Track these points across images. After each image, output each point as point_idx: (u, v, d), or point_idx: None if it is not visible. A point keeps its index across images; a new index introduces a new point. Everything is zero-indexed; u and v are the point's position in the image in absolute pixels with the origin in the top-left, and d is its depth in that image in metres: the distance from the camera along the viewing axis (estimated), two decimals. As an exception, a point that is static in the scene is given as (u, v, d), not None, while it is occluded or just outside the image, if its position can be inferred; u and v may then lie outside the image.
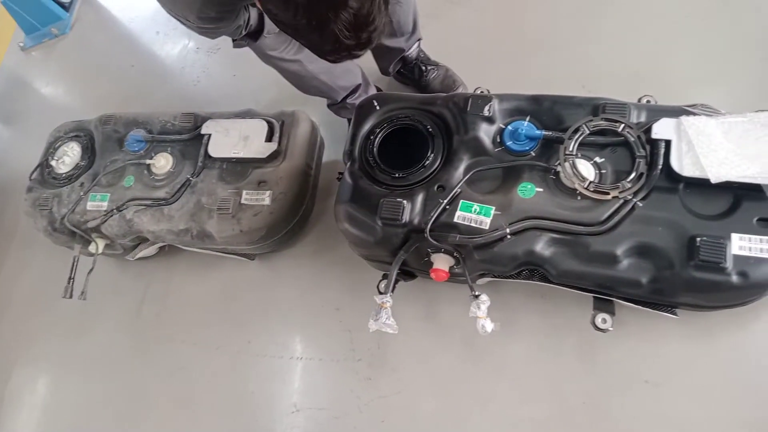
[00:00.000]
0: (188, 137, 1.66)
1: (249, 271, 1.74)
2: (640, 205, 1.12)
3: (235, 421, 1.54)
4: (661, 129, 1.14)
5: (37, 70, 2.85)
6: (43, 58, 2.86)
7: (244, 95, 2.10)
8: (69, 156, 1.78)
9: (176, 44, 2.42)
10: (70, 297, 1.70)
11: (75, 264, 1.73)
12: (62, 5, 2.87)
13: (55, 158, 1.79)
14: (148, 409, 1.66)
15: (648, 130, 1.15)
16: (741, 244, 1.05)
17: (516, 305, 1.38)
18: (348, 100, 1.64)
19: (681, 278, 1.06)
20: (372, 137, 1.34)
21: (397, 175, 1.28)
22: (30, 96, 2.78)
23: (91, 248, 1.73)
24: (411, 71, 1.74)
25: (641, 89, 1.27)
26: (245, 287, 1.72)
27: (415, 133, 1.32)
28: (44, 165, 1.81)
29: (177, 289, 1.82)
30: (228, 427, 1.54)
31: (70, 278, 1.71)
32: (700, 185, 1.10)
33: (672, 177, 1.12)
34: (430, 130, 1.31)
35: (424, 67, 1.72)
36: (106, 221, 1.64)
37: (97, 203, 1.66)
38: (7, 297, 2.09)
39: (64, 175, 1.77)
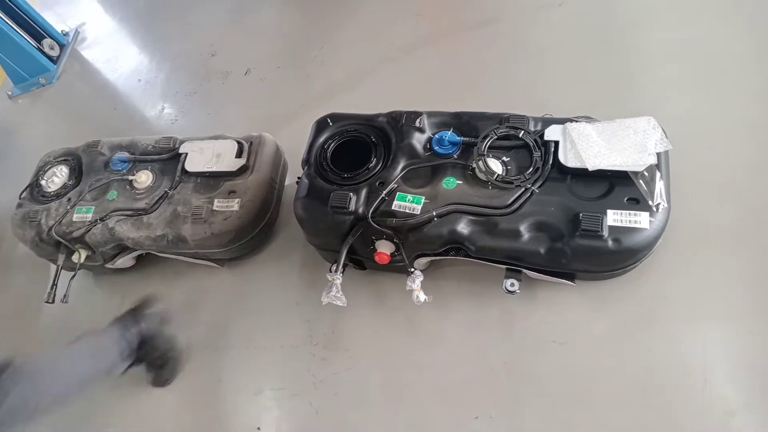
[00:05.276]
0: (167, 156, 1.90)
1: (219, 276, 1.94)
2: (537, 191, 1.40)
3: (203, 407, 1.69)
4: (551, 133, 1.45)
5: (24, 116, 3.09)
6: (30, 105, 3.11)
7: (217, 130, 2.36)
8: (58, 177, 1.99)
9: (156, 89, 2.70)
10: (53, 302, 1.86)
11: (58, 271, 1.90)
12: (50, 58, 3.15)
13: (45, 179, 2.00)
14: (120, 404, 1.80)
15: (542, 135, 1.46)
16: (614, 217, 1.33)
17: (449, 289, 1.61)
18: None
19: (569, 246, 1.33)
20: (326, 146, 1.62)
21: (345, 175, 1.55)
22: (15, 139, 3.00)
23: (74, 258, 1.90)
24: None
25: (547, 111, 1.58)
26: (215, 290, 1.92)
27: (361, 143, 1.60)
28: (34, 185, 2.01)
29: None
30: (195, 413, 1.69)
31: (53, 284, 1.88)
32: (583, 176, 1.39)
33: (561, 170, 1.42)
34: (374, 140, 1.59)
35: None
36: (90, 230, 1.83)
37: (82, 215, 1.86)
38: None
39: (52, 193, 1.97)
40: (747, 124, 1.64)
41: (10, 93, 3.14)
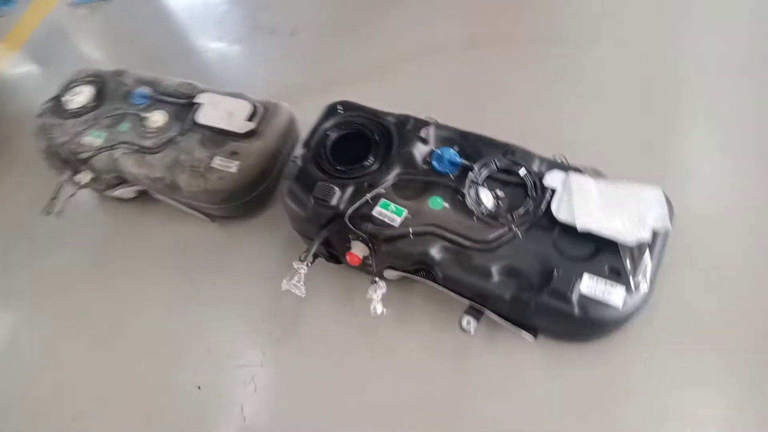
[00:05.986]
0: (184, 102, 1.91)
1: (207, 230, 1.96)
2: (520, 236, 1.34)
3: (153, 350, 1.73)
4: (552, 179, 1.38)
5: (79, 26, 3.16)
6: (87, 16, 3.17)
7: (250, 86, 2.32)
8: (81, 96, 2.03)
9: (205, 30, 2.72)
10: (48, 214, 1.93)
11: (60, 187, 1.96)
12: (117, -26, 3.20)
13: (69, 95, 2.05)
14: (82, 325, 1.86)
15: (543, 178, 1.39)
16: (589, 284, 1.26)
17: (415, 306, 1.58)
18: None
19: (535, 300, 1.27)
20: (328, 133, 1.59)
21: (338, 168, 1.52)
22: (67, 46, 3.08)
23: (77, 178, 1.96)
24: None
25: (563, 149, 1.49)
26: (201, 243, 1.94)
27: (364, 138, 1.56)
28: (58, 98, 2.07)
29: (142, 232, 2.03)
30: (146, 354, 1.74)
31: (52, 197, 1.94)
32: (572, 232, 1.31)
33: (552, 220, 1.34)
34: (377, 138, 1.55)
35: None
36: (96, 156, 1.88)
37: (92, 139, 1.90)
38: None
39: (72, 110, 2.01)
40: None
41: (71, 1, 3.22)
